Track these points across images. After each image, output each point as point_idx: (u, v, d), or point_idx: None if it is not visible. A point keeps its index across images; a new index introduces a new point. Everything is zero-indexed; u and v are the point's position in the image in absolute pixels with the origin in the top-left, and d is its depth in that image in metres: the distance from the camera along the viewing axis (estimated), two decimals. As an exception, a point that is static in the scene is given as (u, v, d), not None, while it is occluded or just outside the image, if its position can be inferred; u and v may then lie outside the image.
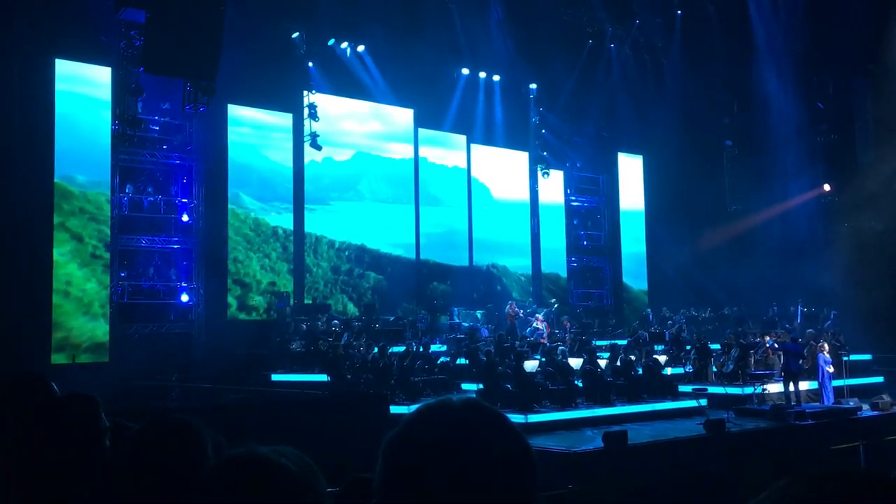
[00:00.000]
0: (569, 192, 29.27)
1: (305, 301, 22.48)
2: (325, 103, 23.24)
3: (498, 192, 27.69)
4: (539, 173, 27.96)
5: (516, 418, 13.91)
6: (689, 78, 27.82)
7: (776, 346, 18.91)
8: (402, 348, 18.31)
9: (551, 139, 28.28)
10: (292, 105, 22.95)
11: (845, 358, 19.24)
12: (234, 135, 22.11)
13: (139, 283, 20.31)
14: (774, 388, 18.41)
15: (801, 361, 18.21)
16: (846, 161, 27.29)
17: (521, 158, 28.18)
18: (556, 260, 28.56)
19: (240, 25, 19.85)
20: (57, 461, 2.72)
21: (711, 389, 17.98)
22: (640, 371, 18.49)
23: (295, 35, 22.56)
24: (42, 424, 2.81)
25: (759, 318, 25.40)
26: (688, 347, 21.34)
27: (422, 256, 25.58)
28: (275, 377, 18.15)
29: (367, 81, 24.26)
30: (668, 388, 18.03)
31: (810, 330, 21.17)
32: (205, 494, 1.55)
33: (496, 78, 26.88)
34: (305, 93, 22.87)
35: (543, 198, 28.43)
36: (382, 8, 23.03)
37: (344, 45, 23.83)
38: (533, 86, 27.74)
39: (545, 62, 26.84)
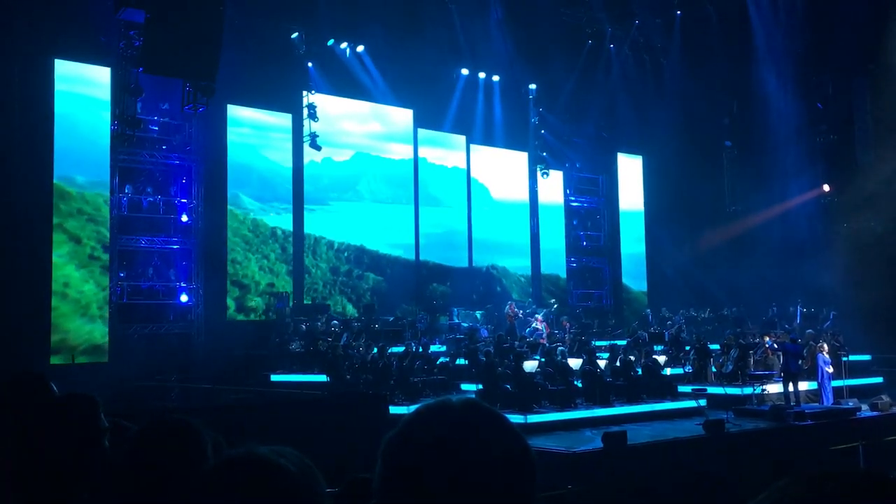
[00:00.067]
0: (568, 192, 29.27)
1: (305, 302, 22.48)
2: (325, 103, 23.24)
3: (497, 193, 27.69)
4: (538, 174, 27.96)
5: (515, 419, 13.90)
6: (688, 78, 27.83)
7: (775, 346, 18.91)
8: (401, 349, 18.31)
9: (551, 139, 28.28)
10: (292, 105, 22.95)
11: (845, 358, 19.24)
12: (233, 135, 22.11)
13: (138, 283, 20.31)
14: (774, 388, 18.41)
15: (800, 362, 18.22)
16: (846, 161, 27.28)
17: (520, 159, 28.18)
18: (555, 260, 28.56)
19: (239, 25, 19.86)
20: (56, 461, 2.72)
21: (711, 390, 17.98)
22: (640, 371, 18.48)
23: (294, 35, 22.56)
24: (41, 425, 2.81)
25: (759, 319, 25.40)
26: (687, 348, 21.34)
27: (421, 257, 25.57)
28: (274, 377, 18.16)
29: (366, 82, 24.26)
30: (667, 389, 18.03)
31: (810, 330, 21.18)
32: (204, 495, 1.55)
33: (496, 78, 26.88)
34: (305, 93, 22.87)
35: (543, 198, 28.43)
36: (382, 8, 23.02)
37: (343, 45, 23.84)
38: (532, 86, 27.75)
39: (545, 62, 26.85)
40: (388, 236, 25.02)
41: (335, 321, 20.94)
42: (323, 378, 17.12)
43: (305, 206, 23.33)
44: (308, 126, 22.74)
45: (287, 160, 23.14)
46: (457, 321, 23.01)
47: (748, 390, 18.06)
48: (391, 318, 21.87)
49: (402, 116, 25.59)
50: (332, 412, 12.92)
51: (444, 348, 20.79)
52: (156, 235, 20.70)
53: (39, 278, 17.93)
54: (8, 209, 17.54)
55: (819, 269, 24.33)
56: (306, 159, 23.32)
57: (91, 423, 2.85)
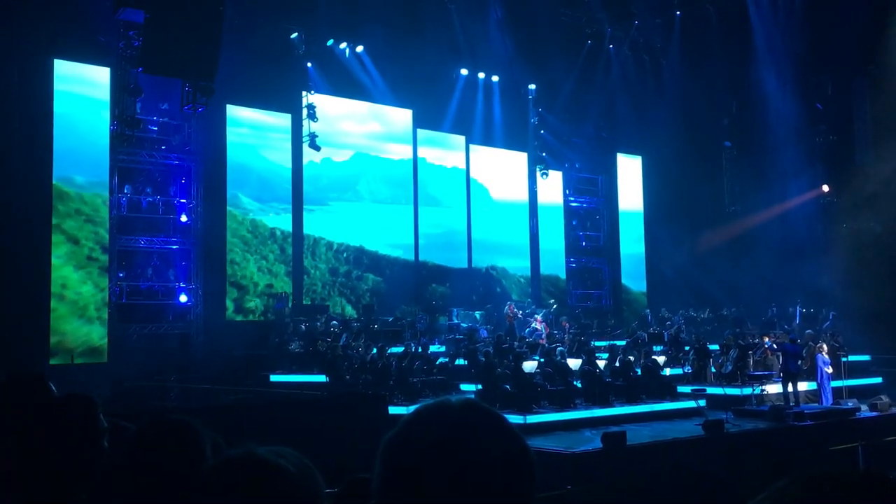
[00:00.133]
0: (567, 192, 29.27)
1: (304, 302, 22.47)
2: (324, 104, 23.23)
3: (497, 193, 27.69)
4: (538, 174, 27.96)
5: (515, 419, 13.90)
6: (688, 79, 27.84)
7: (775, 346, 18.91)
8: (400, 349, 18.30)
9: (550, 140, 28.28)
10: (291, 105, 22.95)
11: (844, 359, 19.25)
12: (232, 135, 22.10)
13: (137, 283, 20.29)
14: (773, 388, 18.41)
15: (799, 362, 18.22)
16: (845, 162, 27.31)
17: (519, 159, 28.18)
18: (555, 261, 28.56)
19: (239, 26, 19.87)
20: (55, 462, 2.72)
21: (710, 390, 17.96)
22: (639, 372, 18.49)
23: (294, 35, 22.56)
24: (41, 425, 2.81)
25: (758, 319, 25.41)
26: (686, 348, 21.34)
27: (420, 257, 25.56)
28: (273, 378, 18.14)
29: (365, 82, 24.26)
30: (666, 389, 18.03)
31: (809, 331, 21.18)
32: (203, 495, 1.55)
33: (495, 78, 26.88)
34: (304, 93, 22.87)
35: (542, 198, 28.43)
36: (381, 8, 23.03)
37: (343, 45, 23.84)
38: (532, 86, 27.75)
39: (544, 63, 26.85)
40: (388, 237, 25.01)
41: (334, 321, 20.93)
42: (322, 378, 17.11)
43: (305, 206, 23.32)
44: (307, 126, 22.74)
45: (286, 160, 23.14)
46: (456, 321, 23.00)
47: (747, 391, 18.06)
48: (390, 319, 21.86)
49: (402, 116, 25.59)
50: (332, 412, 12.91)
51: (443, 349, 20.79)
52: (155, 235, 20.70)
53: (38, 279, 17.90)
54: (7, 209, 17.53)
55: (818, 270, 24.36)
56: (305, 159, 23.32)
57: (90, 423, 2.85)
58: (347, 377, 17.09)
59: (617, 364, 18.39)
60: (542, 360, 18.10)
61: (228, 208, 21.81)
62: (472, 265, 26.64)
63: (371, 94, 24.48)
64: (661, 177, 29.75)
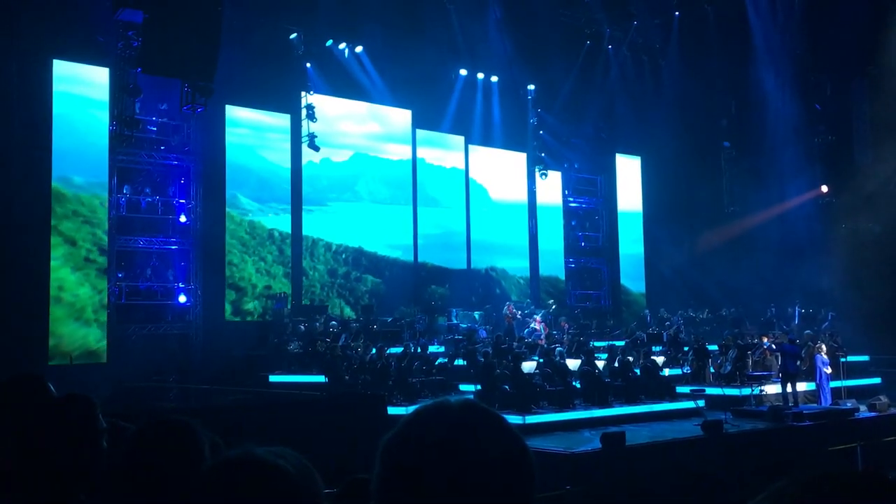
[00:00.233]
0: (567, 193, 29.28)
1: (303, 302, 22.46)
2: (323, 104, 23.23)
3: (496, 194, 27.69)
4: (537, 174, 27.97)
5: (514, 419, 13.90)
6: (687, 79, 27.85)
7: (774, 347, 18.92)
8: (399, 349, 18.31)
9: (549, 140, 28.29)
10: (290, 106, 22.95)
11: (843, 359, 19.27)
12: (231, 135, 22.09)
13: (136, 283, 20.28)
14: (772, 389, 18.42)
15: (798, 362, 18.24)
16: (844, 162, 27.33)
17: (519, 159, 28.18)
18: (554, 262, 28.56)
19: (238, 26, 19.87)
20: (54, 462, 2.71)
21: (709, 390, 17.97)
22: (638, 372, 18.50)
23: (293, 36, 22.56)
24: (40, 425, 2.80)
25: (757, 320, 25.42)
26: (685, 348, 21.34)
27: (420, 258, 25.55)
28: (273, 378, 18.12)
29: (365, 82, 24.27)
30: (665, 389, 18.03)
31: (808, 331, 21.22)
32: (202, 495, 1.55)
33: (494, 79, 26.89)
34: (303, 93, 22.88)
35: (541, 199, 28.44)
36: (381, 9, 23.03)
37: (342, 45, 23.84)
38: (531, 87, 27.77)
39: (543, 63, 26.87)
40: (387, 237, 25.00)
41: (333, 322, 20.93)
42: (321, 379, 17.10)
43: (304, 206, 23.31)
44: (306, 126, 22.74)
45: (285, 161, 23.14)
46: (455, 322, 23.00)
47: (746, 391, 18.06)
48: (389, 319, 21.86)
49: (401, 117, 25.60)
50: (331, 413, 12.91)
51: (442, 349, 20.79)
52: (154, 236, 20.69)
53: (37, 280, 17.87)
54: (6, 209, 17.51)
55: (817, 270, 24.37)
56: (304, 160, 23.32)
57: (89, 423, 2.84)
58: (346, 377, 17.09)
59: (616, 364, 18.39)
60: (541, 360, 18.10)
61: (227, 209, 21.79)
62: (472, 266, 26.64)
63: (370, 94, 24.49)
64: (660, 177, 29.76)
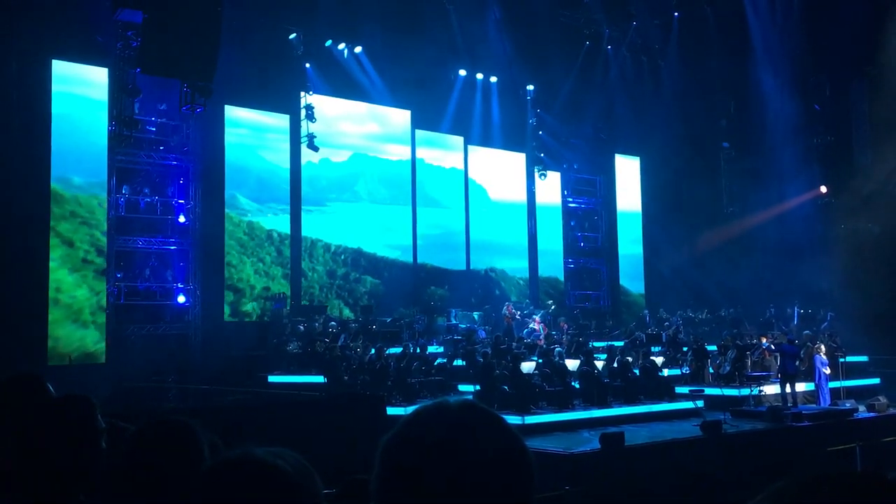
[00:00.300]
0: (566, 193, 29.29)
1: (302, 303, 22.44)
2: (323, 104, 23.23)
3: (495, 194, 27.70)
4: (536, 175, 27.97)
5: (513, 420, 13.91)
6: (686, 79, 27.87)
7: (773, 347, 18.93)
8: (399, 350, 18.30)
9: (548, 140, 28.30)
10: (289, 106, 22.95)
11: (842, 359, 19.28)
12: (230, 136, 22.08)
13: (135, 284, 20.26)
14: (771, 389, 18.43)
15: (797, 363, 18.25)
16: (843, 163, 27.34)
17: (518, 160, 28.19)
18: (553, 262, 28.56)
19: (237, 26, 19.85)
20: (54, 462, 2.71)
21: (708, 391, 17.98)
22: (637, 372, 18.50)
23: (292, 36, 22.55)
24: (38, 426, 2.80)
25: (756, 320, 25.42)
26: (685, 349, 21.35)
27: (419, 259, 25.54)
28: (272, 378, 18.12)
29: (364, 82, 24.26)
30: (664, 390, 18.04)
31: (807, 331, 21.21)
32: (201, 496, 1.55)
33: (493, 79, 26.88)
34: (302, 94, 22.87)
35: (540, 199, 28.44)
36: (380, 9, 23.04)
37: (341, 46, 23.83)
38: (530, 87, 27.78)
39: (543, 63, 26.87)
40: (386, 238, 24.99)
41: (333, 322, 20.93)
42: (320, 379, 17.10)
43: (303, 206, 23.30)
44: (306, 127, 22.74)
45: (285, 161, 23.13)
46: (454, 322, 23.00)
47: (745, 391, 18.07)
48: (389, 320, 21.85)
49: (400, 117, 25.60)
50: (330, 413, 12.91)
51: (441, 349, 20.79)
52: (153, 236, 20.67)
53: (36, 281, 17.84)
54: (6, 210, 17.50)
55: (816, 271, 24.37)
56: (304, 160, 23.30)
57: (88, 423, 2.84)
58: (346, 378, 17.09)
59: (615, 365, 18.40)
60: (541, 360, 18.11)
61: (225, 210, 21.78)
62: (471, 267, 26.63)
63: (369, 94, 24.48)
64: (659, 178, 29.77)
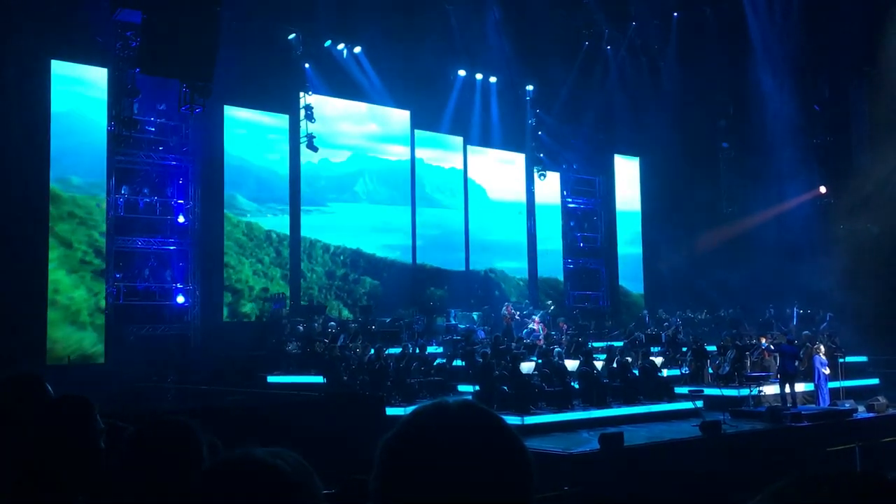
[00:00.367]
0: (565, 193, 29.30)
1: (301, 303, 22.44)
2: (322, 104, 23.24)
3: (494, 194, 27.70)
4: (535, 175, 27.97)
5: (512, 420, 13.89)
6: (685, 80, 27.88)
7: (772, 347, 18.94)
8: (398, 350, 18.30)
9: (548, 141, 28.31)
10: (289, 106, 22.95)
11: (841, 360, 19.30)
12: (230, 136, 22.08)
13: (134, 284, 20.25)
14: (770, 389, 18.42)
15: (796, 363, 18.25)
16: (842, 163, 27.35)
17: (517, 160, 28.19)
18: (552, 262, 28.57)
19: (236, 26, 19.85)
20: (52, 462, 2.71)
21: (707, 391, 17.98)
22: (637, 373, 18.50)
23: (291, 36, 22.55)
24: (37, 426, 2.80)
25: (755, 320, 25.42)
26: (684, 349, 21.35)
27: (418, 259, 25.53)
28: (271, 379, 18.10)
29: (363, 83, 24.26)
30: (664, 390, 18.04)
31: (806, 332, 21.21)
32: (200, 496, 1.55)
33: (493, 79, 26.89)
34: (302, 94, 22.88)
35: (540, 199, 28.45)
36: (379, 9, 23.03)
37: (340, 46, 23.84)
38: (530, 87, 27.79)
39: (542, 64, 26.88)
40: (385, 238, 24.98)
41: (332, 322, 20.92)
42: (320, 379, 17.10)
43: (302, 207, 23.29)
44: (305, 127, 22.74)
45: (284, 161, 23.13)
46: (454, 323, 23.00)
47: (745, 392, 18.06)
48: (388, 320, 21.84)
49: (400, 117, 25.60)
50: (329, 413, 12.91)
51: (441, 350, 20.79)
52: (152, 236, 20.68)
53: (35, 281, 17.83)
54: (5, 210, 17.49)
55: (815, 271, 24.36)
56: (303, 160, 23.30)
57: (87, 424, 2.84)
58: (345, 378, 17.09)
59: (614, 365, 18.40)
60: (540, 361, 18.10)
61: (224, 210, 21.76)
62: (470, 268, 26.63)
63: (369, 94, 24.49)
64: (658, 178, 29.77)
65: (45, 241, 18.24)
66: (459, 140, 26.92)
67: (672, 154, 28.52)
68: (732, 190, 30.08)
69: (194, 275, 20.98)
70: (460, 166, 27.02)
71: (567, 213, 29.35)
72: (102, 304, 18.92)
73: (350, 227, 24.28)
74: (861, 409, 17.64)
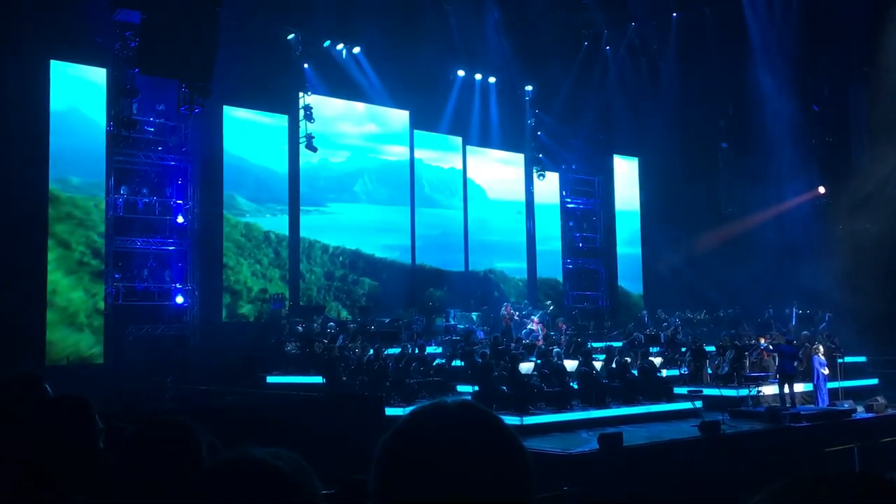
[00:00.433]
0: (564, 193, 29.31)
1: (300, 303, 22.42)
2: (321, 105, 23.23)
3: (494, 194, 27.70)
4: (535, 175, 27.98)
5: (511, 420, 13.89)
6: (684, 80, 27.87)
7: (771, 348, 18.95)
8: (397, 350, 18.30)
9: (547, 141, 28.31)
10: (288, 106, 22.94)
11: (840, 360, 19.32)
12: (229, 136, 22.05)
13: (133, 284, 20.24)
14: (769, 390, 18.43)
15: (795, 363, 18.25)
16: (841, 164, 27.35)
17: (516, 160, 28.19)
18: (552, 263, 28.57)
19: (235, 26, 19.86)
20: (51, 462, 2.71)
21: (706, 391, 17.97)
22: (636, 373, 18.50)
23: (291, 36, 22.55)
24: (36, 426, 2.80)
25: (754, 321, 25.42)
26: (683, 349, 21.36)
27: (417, 259, 25.52)
28: (270, 379, 18.10)
29: (362, 83, 24.26)
30: (663, 390, 18.05)
31: (805, 332, 21.21)
32: (199, 496, 1.55)
33: (492, 80, 26.89)
34: (301, 94, 22.87)
35: (539, 199, 28.45)
36: (379, 10, 23.02)
37: (340, 46, 23.85)
38: (529, 88, 27.80)
39: (541, 64, 26.88)
40: (384, 238, 24.97)
41: (331, 323, 20.91)
42: (319, 379, 17.09)
43: (302, 207, 23.28)
44: (304, 127, 22.73)
45: (283, 161, 23.11)
46: (453, 323, 22.99)
47: (744, 392, 18.06)
48: (387, 320, 21.82)
49: (399, 118, 25.59)
50: (328, 413, 12.91)
51: (440, 350, 20.79)
52: (151, 237, 20.66)
53: (34, 282, 17.80)
54: (4, 210, 17.47)
55: (814, 272, 24.35)
56: (302, 161, 23.29)
57: (86, 424, 2.84)
58: (344, 378, 17.08)
59: (613, 365, 18.40)
60: (539, 361, 18.11)
61: (224, 211, 21.74)
62: (469, 268, 26.63)
63: (368, 95, 24.48)
64: (657, 178, 29.78)
65: (45, 241, 18.22)
66: (459, 140, 26.92)
67: (671, 154, 28.52)
68: (732, 190, 30.08)
69: (193, 275, 20.97)
70: (459, 166, 27.02)
71: (566, 213, 29.36)
72: (100, 305, 18.88)
73: (349, 227, 24.27)
74: (860, 409, 17.65)
